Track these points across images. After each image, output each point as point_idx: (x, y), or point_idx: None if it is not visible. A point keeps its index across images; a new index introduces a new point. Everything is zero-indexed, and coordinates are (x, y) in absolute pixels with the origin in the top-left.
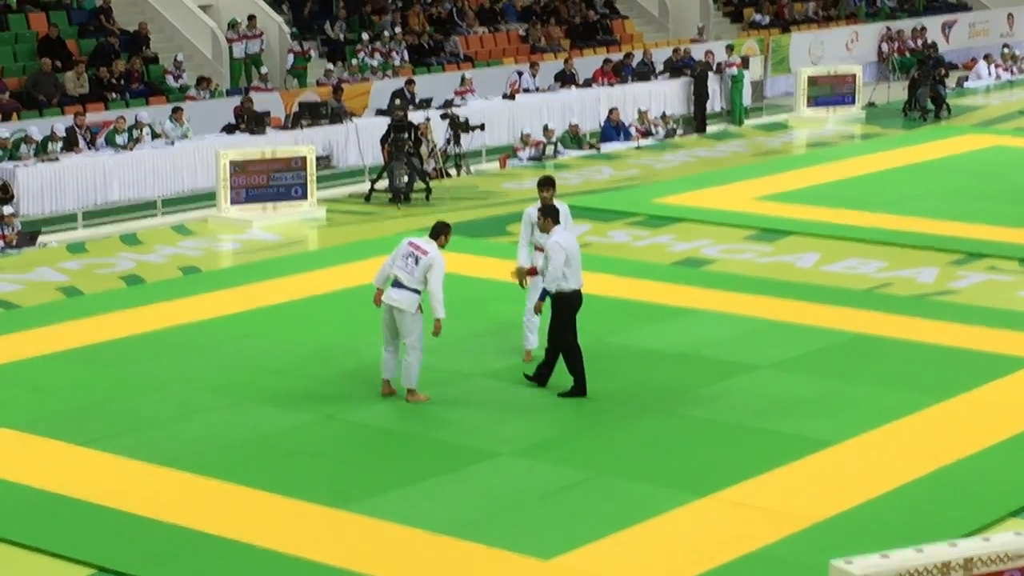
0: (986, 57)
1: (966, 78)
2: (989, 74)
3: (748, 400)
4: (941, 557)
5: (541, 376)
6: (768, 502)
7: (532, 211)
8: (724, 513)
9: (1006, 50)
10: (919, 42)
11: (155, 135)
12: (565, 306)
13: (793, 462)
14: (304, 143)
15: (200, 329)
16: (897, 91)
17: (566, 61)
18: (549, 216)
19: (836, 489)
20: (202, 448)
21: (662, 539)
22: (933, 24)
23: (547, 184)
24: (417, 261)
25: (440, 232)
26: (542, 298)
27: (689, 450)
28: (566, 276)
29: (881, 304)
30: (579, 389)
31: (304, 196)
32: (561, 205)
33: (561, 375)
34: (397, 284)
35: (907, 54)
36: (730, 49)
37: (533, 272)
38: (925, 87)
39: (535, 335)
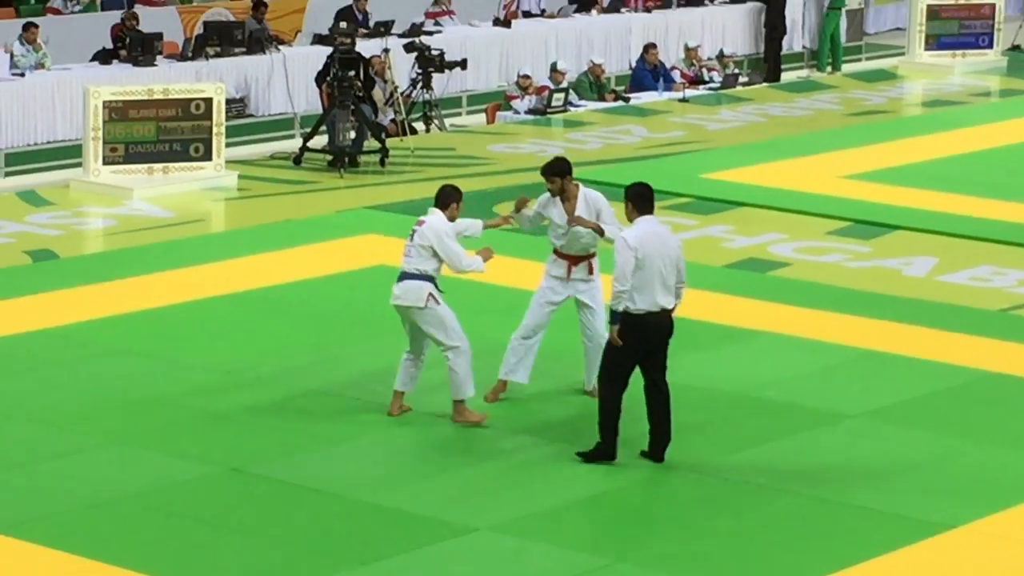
0: None
1: None
2: None
3: (830, 462)
4: None
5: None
6: None
7: (546, 199)
8: None
9: None
10: None
11: None
12: (624, 333)
13: (892, 551)
14: (210, 80)
15: (56, 340)
16: None
17: None
18: (632, 199)
19: None
20: (53, 509)
21: None
22: None
23: (555, 171)
24: (413, 236)
25: (449, 199)
26: (613, 320)
27: (744, 530)
28: (633, 291)
29: (1022, 331)
30: (606, 450)
31: (208, 156)
32: (593, 193)
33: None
34: (399, 276)
35: None
36: None
37: (522, 204)
38: None
39: (525, 366)
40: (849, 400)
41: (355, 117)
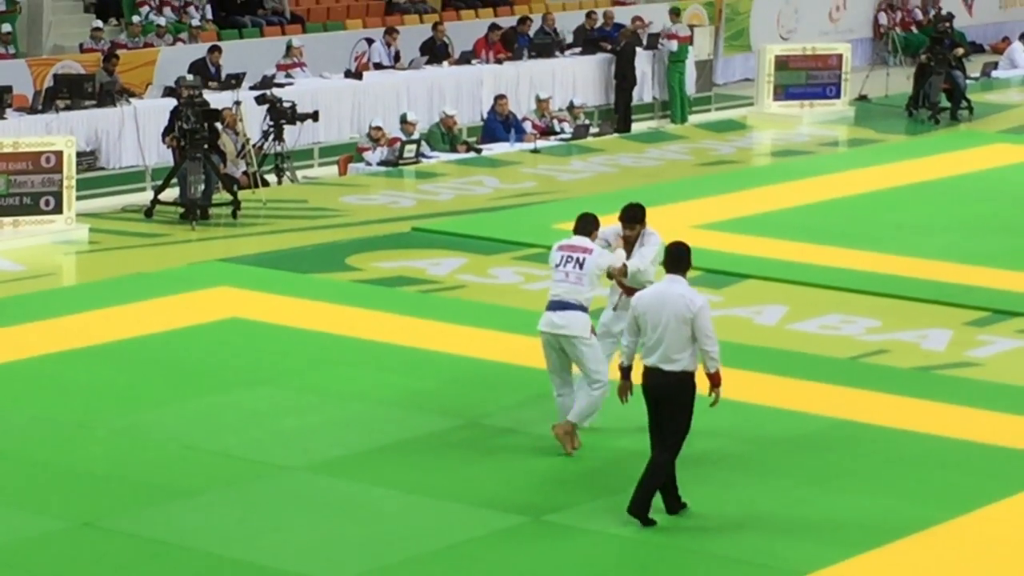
0: (1022, 37)
1: (995, 65)
2: None
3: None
4: None
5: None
6: None
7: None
8: None
9: None
10: (931, 13)
11: None
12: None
13: None
14: (60, 132)
15: None
16: (899, 80)
17: (435, 26)
18: (664, 258)
19: None
20: None
21: None
22: None
23: (638, 218)
24: (582, 264)
25: (592, 226)
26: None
27: None
28: (643, 347)
29: (872, 379)
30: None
31: (58, 209)
32: (651, 233)
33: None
34: (558, 305)
35: (914, 29)
36: (675, 15)
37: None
38: (938, 76)
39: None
40: (701, 448)
41: (206, 169)
